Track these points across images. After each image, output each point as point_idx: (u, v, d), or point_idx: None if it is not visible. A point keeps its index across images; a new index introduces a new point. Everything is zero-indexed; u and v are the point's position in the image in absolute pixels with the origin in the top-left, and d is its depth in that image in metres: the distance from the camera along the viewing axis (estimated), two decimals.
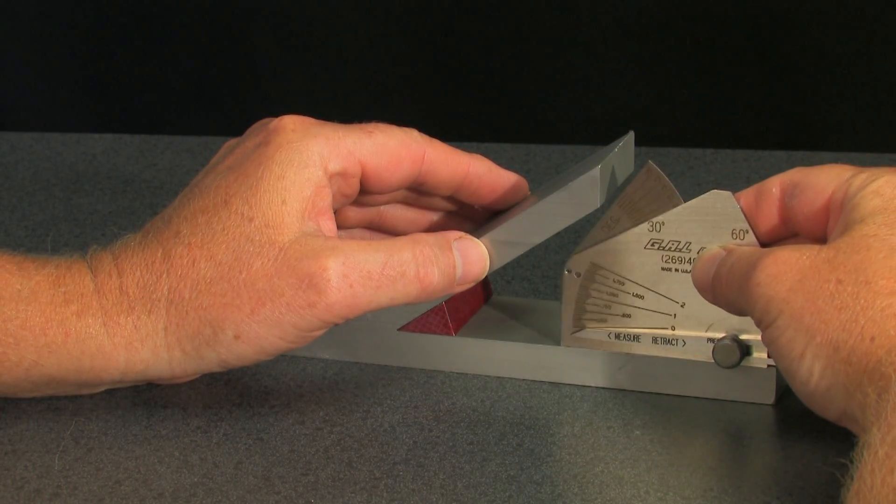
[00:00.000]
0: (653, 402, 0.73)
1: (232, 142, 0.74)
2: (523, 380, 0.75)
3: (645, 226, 0.72)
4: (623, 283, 0.72)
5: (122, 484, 0.67)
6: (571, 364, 0.74)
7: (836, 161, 0.70)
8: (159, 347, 0.69)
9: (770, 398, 0.72)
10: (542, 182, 0.97)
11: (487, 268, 0.73)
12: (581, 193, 0.72)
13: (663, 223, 0.71)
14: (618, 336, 0.73)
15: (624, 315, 0.73)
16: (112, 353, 0.69)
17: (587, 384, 0.74)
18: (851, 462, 0.58)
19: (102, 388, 0.73)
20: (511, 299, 0.80)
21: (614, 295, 0.73)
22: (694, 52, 1.45)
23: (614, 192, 0.73)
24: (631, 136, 0.76)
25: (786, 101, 1.45)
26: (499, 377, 0.75)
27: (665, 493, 0.65)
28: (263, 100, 1.52)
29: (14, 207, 1.00)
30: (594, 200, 0.72)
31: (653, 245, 0.72)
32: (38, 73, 1.54)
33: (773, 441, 0.69)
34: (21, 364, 0.69)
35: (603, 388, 0.74)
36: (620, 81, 1.46)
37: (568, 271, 0.73)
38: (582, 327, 0.74)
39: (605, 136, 0.87)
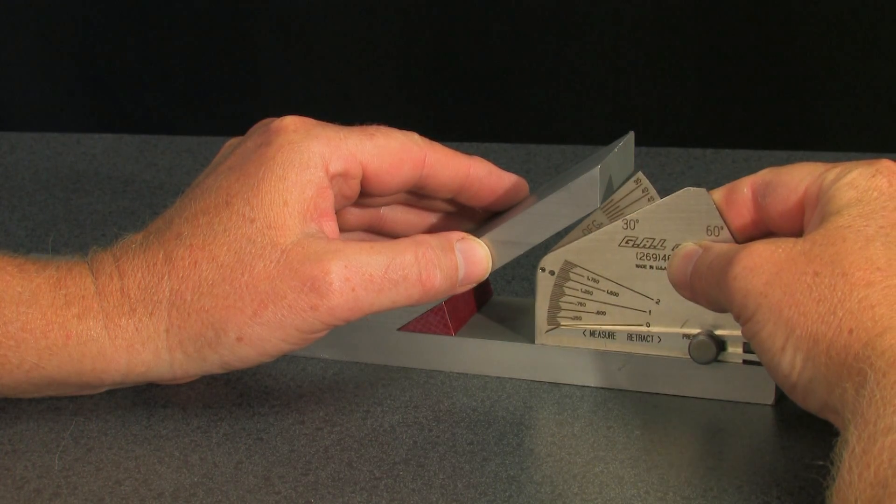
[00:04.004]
0: (653, 402, 0.73)
1: (234, 141, 0.74)
2: (523, 380, 0.75)
3: (619, 223, 0.72)
4: (598, 281, 0.73)
5: (122, 484, 0.67)
6: (571, 364, 0.74)
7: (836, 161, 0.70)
8: (161, 349, 0.69)
9: (770, 398, 0.72)
10: (542, 182, 0.97)
11: (489, 269, 0.73)
12: (581, 193, 0.72)
13: (637, 220, 0.71)
14: (593, 333, 0.73)
15: (599, 312, 0.73)
16: (113, 355, 0.69)
17: (587, 384, 0.74)
18: (832, 463, 0.58)
19: (103, 390, 0.73)
20: (511, 299, 0.80)
21: (589, 292, 0.73)
22: (694, 53, 1.45)
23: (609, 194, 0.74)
24: (631, 136, 0.77)
25: (786, 101, 1.45)
26: (499, 377, 0.75)
27: (665, 493, 0.65)
28: (264, 100, 1.53)
29: (14, 207, 1.00)
30: (594, 200, 0.72)
31: (627, 242, 0.72)
32: (38, 73, 1.54)
33: (773, 441, 0.69)
34: (22, 366, 0.69)
35: (603, 387, 0.74)
36: (620, 81, 1.47)
37: (542, 269, 0.73)
38: (556, 325, 0.74)
39: (605, 136, 0.87)
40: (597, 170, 0.71)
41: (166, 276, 0.69)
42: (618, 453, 0.68)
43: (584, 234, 0.73)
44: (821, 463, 0.59)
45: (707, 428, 0.71)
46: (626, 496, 0.65)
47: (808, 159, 0.71)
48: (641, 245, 0.72)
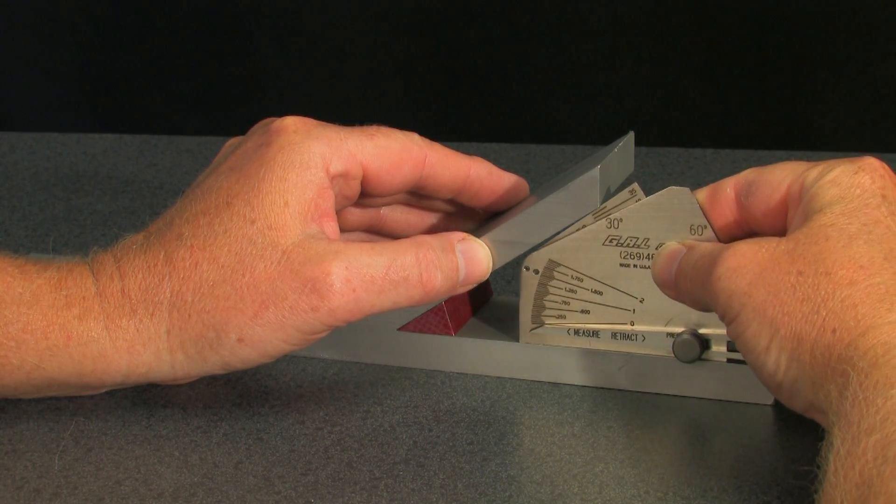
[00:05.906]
0: (653, 402, 0.73)
1: (234, 141, 0.74)
2: (522, 379, 0.75)
3: (603, 222, 0.72)
4: (582, 280, 0.73)
5: (122, 484, 0.67)
6: (559, 363, 0.74)
7: None
8: (161, 350, 0.69)
9: (770, 398, 0.72)
10: (542, 182, 0.97)
11: (490, 269, 0.73)
12: (581, 193, 0.72)
13: (621, 220, 0.71)
14: (577, 332, 0.73)
15: (583, 311, 0.73)
16: (114, 356, 0.69)
17: (586, 384, 0.74)
18: (818, 466, 0.58)
19: (104, 390, 0.73)
20: (511, 299, 0.80)
21: (573, 291, 0.73)
22: (695, 53, 1.45)
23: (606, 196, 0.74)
24: (631, 136, 0.77)
25: (786, 101, 1.45)
26: (499, 377, 0.75)
27: (665, 493, 0.65)
28: (264, 100, 1.53)
29: (14, 207, 1.00)
30: (594, 200, 0.72)
31: (611, 241, 0.72)
32: (38, 73, 1.54)
33: (773, 441, 0.69)
34: (23, 367, 0.69)
35: (602, 387, 0.74)
36: (620, 81, 1.47)
37: (526, 268, 0.74)
38: (541, 324, 0.74)
39: (605, 136, 0.87)
40: (597, 170, 0.71)
41: (167, 277, 0.69)
42: (618, 453, 0.68)
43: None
44: (806, 468, 0.59)
45: (707, 428, 0.71)
46: (626, 496, 0.65)
47: (807, 159, 0.71)
48: (625, 244, 0.72)
